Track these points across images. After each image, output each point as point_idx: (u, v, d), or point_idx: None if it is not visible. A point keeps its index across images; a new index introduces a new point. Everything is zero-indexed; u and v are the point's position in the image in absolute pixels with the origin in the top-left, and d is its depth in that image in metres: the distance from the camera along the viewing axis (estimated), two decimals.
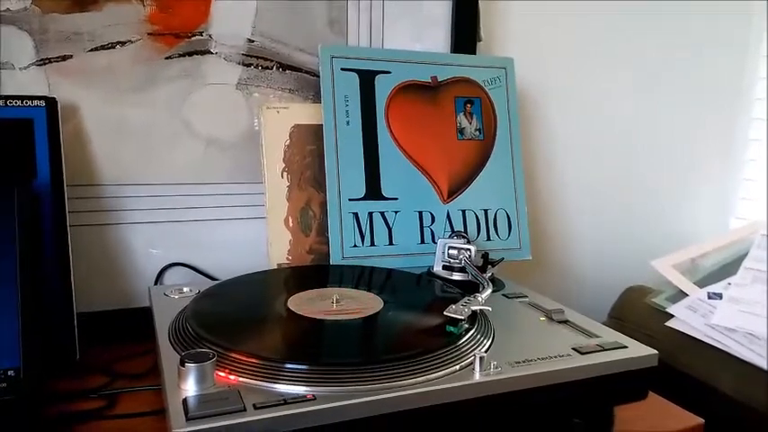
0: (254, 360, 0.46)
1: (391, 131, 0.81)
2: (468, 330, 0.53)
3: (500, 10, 0.93)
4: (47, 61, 0.69)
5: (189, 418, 0.40)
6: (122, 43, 0.72)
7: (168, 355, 0.50)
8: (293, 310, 0.57)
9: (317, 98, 0.80)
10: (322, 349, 0.53)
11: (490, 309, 0.57)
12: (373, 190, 0.79)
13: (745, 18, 1.14)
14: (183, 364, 0.44)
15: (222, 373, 0.45)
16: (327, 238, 0.76)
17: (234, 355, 0.47)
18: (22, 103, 0.65)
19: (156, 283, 0.76)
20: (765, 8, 1.12)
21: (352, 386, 0.44)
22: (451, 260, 0.72)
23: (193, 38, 0.75)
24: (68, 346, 0.66)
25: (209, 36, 0.76)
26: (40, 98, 0.66)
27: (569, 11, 0.98)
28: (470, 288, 0.63)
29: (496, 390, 0.47)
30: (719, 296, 0.82)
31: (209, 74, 0.76)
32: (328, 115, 0.77)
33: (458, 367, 0.48)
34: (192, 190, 0.77)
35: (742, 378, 0.72)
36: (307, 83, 0.81)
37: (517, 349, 0.52)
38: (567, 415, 0.53)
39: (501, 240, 0.84)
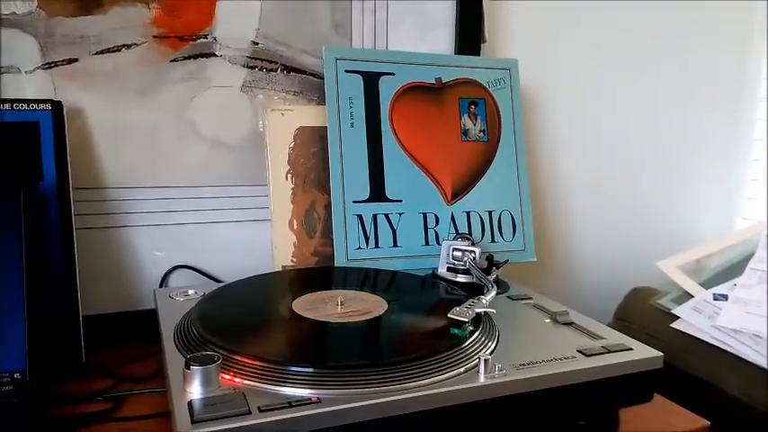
0: (259, 363, 0.46)
1: (395, 133, 0.81)
2: (472, 333, 0.53)
3: (504, 11, 0.93)
4: (52, 65, 0.70)
5: (194, 421, 0.40)
6: (128, 46, 0.73)
7: (173, 358, 0.50)
8: (298, 312, 0.57)
9: (321, 100, 0.80)
10: (327, 352, 0.53)
11: (494, 311, 0.57)
12: (377, 192, 0.79)
13: (747, 18, 1.13)
14: (188, 366, 0.44)
15: (227, 376, 0.45)
16: (332, 240, 0.77)
17: (239, 357, 0.47)
18: (28, 106, 0.66)
19: (161, 286, 0.76)
20: (766, 9, 1.11)
21: (357, 389, 0.44)
22: (456, 262, 0.72)
23: (198, 41, 0.75)
24: (74, 348, 0.66)
25: (214, 39, 0.76)
26: (45, 101, 0.66)
27: (573, 12, 0.98)
28: (475, 290, 0.63)
29: (501, 392, 0.47)
30: (725, 297, 0.82)
31: (214, 76, 0.77)
32: (332, 117, 0.77)
33: (462, 370, 0.48)
34: (197, 192, 0.77)
35: (748, 380, 0.72)
36: (311, 85, 0.81)
37: (522, 351, 0.52)
38: (572, 417, 0.53)
39: (505, 242, 0.84)
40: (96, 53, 0.71)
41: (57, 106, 0.67)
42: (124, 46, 0.72)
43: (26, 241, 0.57)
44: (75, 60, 0.71)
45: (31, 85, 0.69)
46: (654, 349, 0.54)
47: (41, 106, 0.66)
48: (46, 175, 0.66)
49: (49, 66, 0.70)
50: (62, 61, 0.70)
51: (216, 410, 0.41)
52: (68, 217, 0.67)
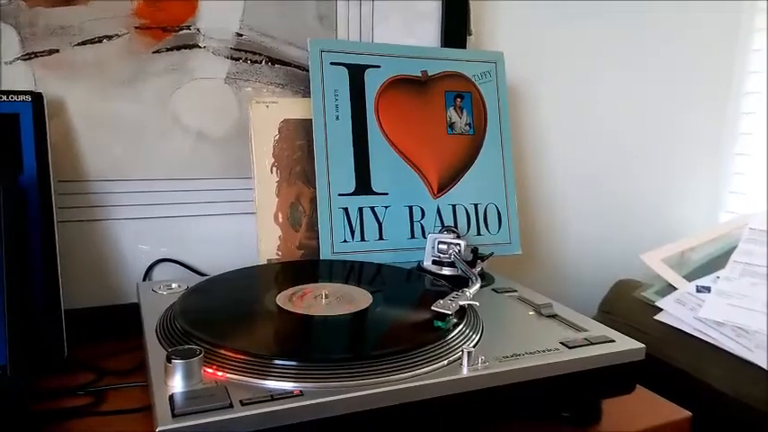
0: (241, 356, 0.46)
1: (381, 126, 0.80)
2: (456, 325, 0.53)
3: (490, 4, 0.93)
4: (33, 55, 0.69)
5: (175, 415, 0.40)
6: (109, 37, 0.72)
7: (155, 352, 0.50)
8: (282, 305, 0.57)
9: (306, 93, 0.80)
10: (310, 345, 0.53)
11: (478, 303, 0.57)
12: (363, 185, 0.79)
13: (735, 12, 1.14)
14: (169, 360, 0.44)
15: (210, 370, 0.45)
16: (317, 233, 0.76)
17: (221, 351, 0.47)
18: (7, 97, 0.65)
19: (144, 279, 0.76)
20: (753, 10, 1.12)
21: (340, 382, 0.44)
22: (441, 255, 0.72)
23: (181, 32, 0.75)
24: (56, 343, 0.65)
25: (197, 30, 0.75)
26: (26, 93, 0.65)
27: (559, 5, 0.98)
28: (460, 283, 0.63)
29: (484, 384, 0.47)
30: (708, 289, 0.83)
31: (198, 68, 0.76)
32: (318, 110, 0.77)
33: (446, 362, 0.48)
34: (181, 185, 0.77)
35: (730, 371, 0.72)
36: (296, 77, 0.81)
37: (505, 344, 0.52)
38: (555, 408, 0.53)
39: (491, 235, 0.84)
40: (78, 44, 0.70)
41: (37, 98, 0.66)
42: (106, 37, 0.71)
43: (6, 235, 0.56)
44: (56, 51, 0.70)
45: (11, 77, 0.68)
46: (636, 341, 0.54)
47: (21, 98, 0.65)
48: (26, 167, 0.65)
49: (29, 57, 0.69)
50: (42, 52, 0.69)
51: (197, 404, 0.41)
52: (50, 210, 0.66)
